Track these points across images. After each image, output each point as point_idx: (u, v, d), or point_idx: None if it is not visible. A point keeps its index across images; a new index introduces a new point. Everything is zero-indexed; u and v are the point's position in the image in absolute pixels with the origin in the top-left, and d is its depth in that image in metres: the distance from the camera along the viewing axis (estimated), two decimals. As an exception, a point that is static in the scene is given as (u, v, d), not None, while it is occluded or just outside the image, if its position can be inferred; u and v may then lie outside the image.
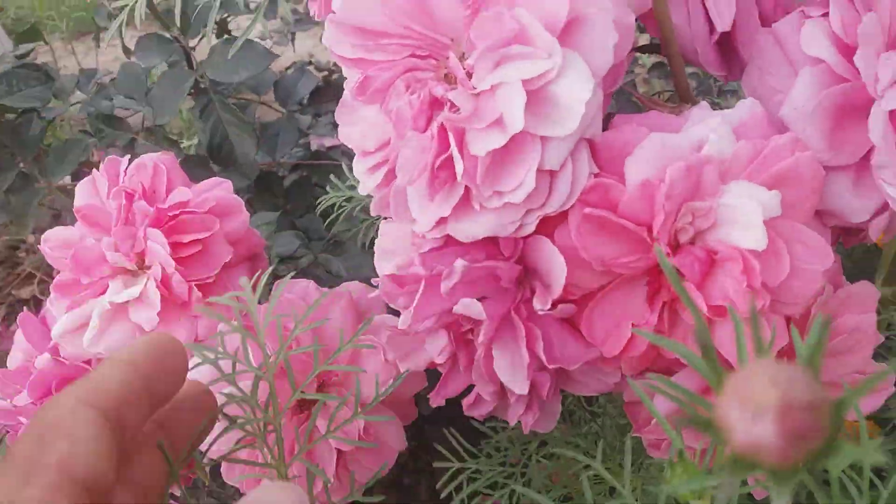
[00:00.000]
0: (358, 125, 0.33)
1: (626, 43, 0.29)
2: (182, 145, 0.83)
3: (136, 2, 0.49)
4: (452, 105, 0.30)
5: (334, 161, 0.77)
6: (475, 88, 0.29)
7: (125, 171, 0.43)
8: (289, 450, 0.40)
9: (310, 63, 1.00)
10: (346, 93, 0.33)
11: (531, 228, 0.29)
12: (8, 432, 0.45)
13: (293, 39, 1.06)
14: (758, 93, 0.32)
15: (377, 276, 0.39)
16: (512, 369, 0.31)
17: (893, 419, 0.46)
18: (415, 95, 0.30)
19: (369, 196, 0.60)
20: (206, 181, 0.44)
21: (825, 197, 0.30)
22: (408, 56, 0.31)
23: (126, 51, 1.15)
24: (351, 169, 0.58)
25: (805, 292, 0.28)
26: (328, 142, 0.84)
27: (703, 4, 0.32)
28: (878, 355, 0.35)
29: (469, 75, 0.29)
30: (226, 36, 0.64)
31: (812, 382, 0.13)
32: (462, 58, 0.30)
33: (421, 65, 0.31)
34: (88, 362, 0.42)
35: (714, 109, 0.31)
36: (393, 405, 0.43)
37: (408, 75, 0.31)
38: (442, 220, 0.31)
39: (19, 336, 0.45)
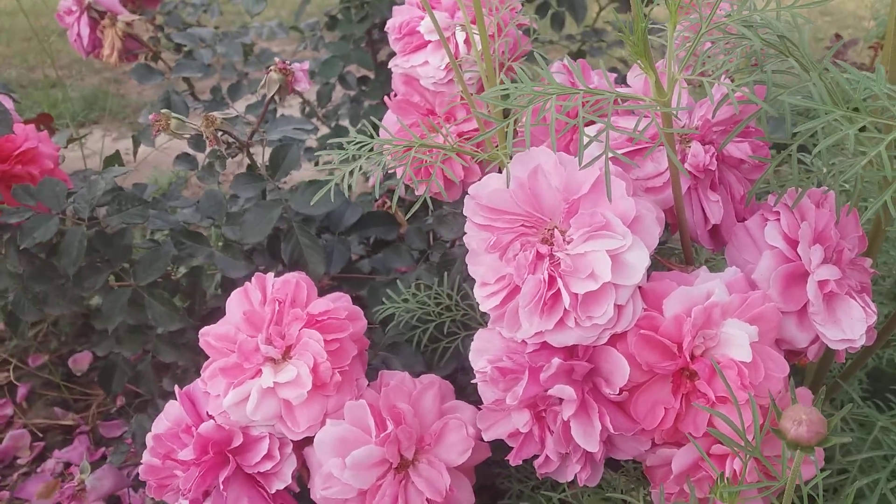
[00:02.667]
0: (481, 266, 0.49)
1: (661, 228, 0.48)
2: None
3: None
4: (552, 258, 0.47)
5: (363, 275, 0.93)
6: (569, 251, 0.46)
7: (273, 285, 0.58)
8: (393, 500, 0.53)
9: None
10: (473, 244, 0.50)
11: (604, 340, 0.46)
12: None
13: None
14: (736, 262, 0.50)
15: (426, 371, 0.54)
16: (585, 435, 0.47)
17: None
18: (527, 252, 0.47)
19: (421, 308, 0.75)
20: (332, 294, 0.59)
21: (780, 331, 0.48)
22: (520, 225, 0.48)
23: (135, 141, 1.28)
24: (407, 286, 0.74)
25: (773, 390, 0.45)
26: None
27: (702, 207, 0.51)
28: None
29: (565, 242, 0.47)
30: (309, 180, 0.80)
31: (818, 412, 0.30)
32: (556, 228, 0.48)
33: (528, 231, 0.48)
34: (246, 429, 0.54)
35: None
36: (464, 470, 0.57)
37: (521, 238, 0.48)
38: (540, 333, 0.47)
39: (171, 406, 0.58)
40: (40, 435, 1.29)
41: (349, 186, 0.51)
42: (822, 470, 0.55)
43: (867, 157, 0.36)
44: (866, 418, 0.58)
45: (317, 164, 1.44)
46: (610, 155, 0.51)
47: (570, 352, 0.48)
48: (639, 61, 0.40)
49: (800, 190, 0.49)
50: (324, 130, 1.40)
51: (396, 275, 0.89)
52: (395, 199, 0.53)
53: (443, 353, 0.74)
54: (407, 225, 0.98)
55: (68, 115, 1.84)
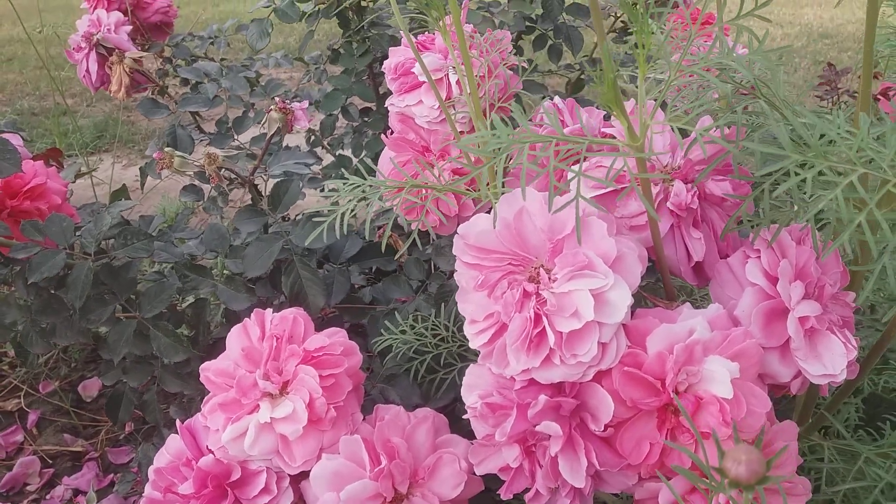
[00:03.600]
0: (471, 304, 0.51)
1: (643, 266, 0.49)
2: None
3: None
4: (538, 296, 0.48)
5: (363, 304, 0.94)
6: (554, 290, 0.47)
7: (271, 321, 0.59)
8: (388, 533, 0.54)
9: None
10: (462, 282, 0.51)
11: (589, 377, 0.47)
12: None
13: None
14: (720, 299, 0.51)
15: (423, 403, 0.55)
16: (572, 471, 0.48)
17: None
18: (513, 290, 0.49)
19: (418, 340, 0.77)
20: (328, 329, 0.60)
21: (763, 366, 0.49)
22: (507, 264, 0.50)
23: (142, 173, 1.31)
24: (406, 316, 0.75)
25: (755, 425, 0.46)
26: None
27: (685, 245, 0.52)
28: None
29: (550, 280, 0.48)
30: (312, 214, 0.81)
31: (758, 453, 0.31)
32: (541, 267, 0.49)
33: (516, 270, 0.50)
34: (244, 463, 0.56)
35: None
36: (457, 503, 0.58)
37: (508, 276, 0.49)
38: (527, 370, 0.48)
39: (172, 440, 0.59)
40: (49, 461, 1.31)
41: (346, 224, 0.54)
42: (809, 501, 0.56)
43: (824, 200, 0.37)
44: (851, 448, 0.59)
45: (323, 190, 1.47)
46: (593, 195, 0.53)
47: (558, 388, 0.50)
48: (611, 108, 0.42)
49: (778, 226, 0.50)
50: (328, 159, 1.42)
51: (396, 304, 0.91)
52: (386, 235, 0.55)
53: (440, 383, 0.75)
54: (407, 255, 1.00)
55: (77, 145, 1.88)
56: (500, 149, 0.41)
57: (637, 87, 0.45)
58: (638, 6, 0.42)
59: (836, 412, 0.60)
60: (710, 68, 0.47)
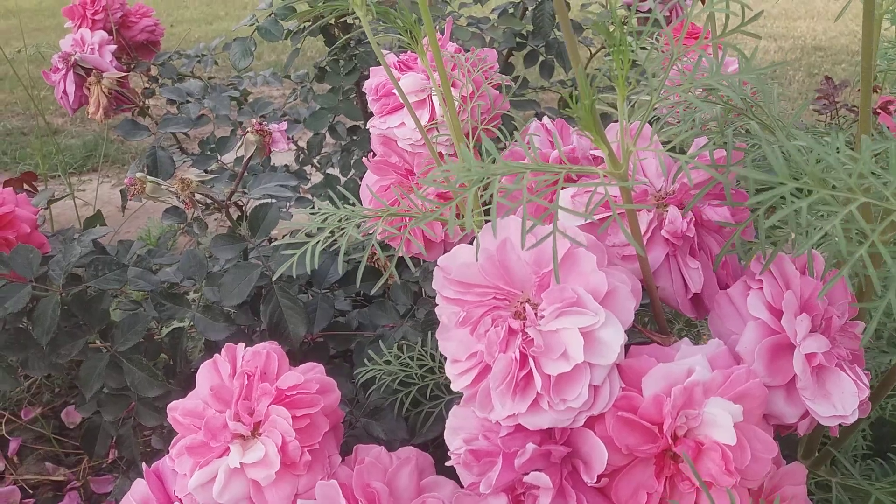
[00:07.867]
0: (452, 341, 0.47)
1: (637, 301, 0.46)
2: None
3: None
4: (524, 335, 0.45)
5: (348, 332, 0.91)
6: (541, 328, 0.44)
7: (243, 357, 0.56)
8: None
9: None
10: (444, 318, 0.48)
11: (580, 423, 0.44)
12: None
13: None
14: (720, 332, 0.48)
15: (409, 438, 0.51)
16: (563, 523, 0.44)
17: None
18: (498, 327, 0.45)
19: (403, 371, 0.73)
20: (302, 365, 0.57)
21: (768, 406, 0.45)
22: (491, 298, 0.46)
23: (123, 195, 1.27)
24: (389, 345, 0.72)
25: (760, 472, 0.43)
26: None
27: (682, 275, 0.49)
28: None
29: (537, 317, 0.45)
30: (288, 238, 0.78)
31: None
32: (528, 302, 0.46)
33: (500, 305, 0.46)
34: (213, 512, 0.52)
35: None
36: (444, 552, 0.55)
37: (492, 312, 0.46)
38: (513, 415, 0.45)
39: (138, 485, 0.55)
40: (30, 491, 1.27)
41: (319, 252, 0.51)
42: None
43: (820, 232, 0.34)
44: (860, 486, 0.55)
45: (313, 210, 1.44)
46: (579, 223, 0.49)
47: (547, 434, 0.46)
48: (588, 134, 0.38)
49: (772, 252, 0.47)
50: (317, 177, 1.39)
51: (384, 330, 0.87)
52: (363, 263, 0.51)
53: (427, 416, 0.72)
54: (395, 279, 0.96)
55: (62, 166, 1.84)
56: (470, 183, 0.38)
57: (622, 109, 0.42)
58: (614, 27, 0.39)
59: (844, 449, 0.57)
60: (699, 88, 0.43)
